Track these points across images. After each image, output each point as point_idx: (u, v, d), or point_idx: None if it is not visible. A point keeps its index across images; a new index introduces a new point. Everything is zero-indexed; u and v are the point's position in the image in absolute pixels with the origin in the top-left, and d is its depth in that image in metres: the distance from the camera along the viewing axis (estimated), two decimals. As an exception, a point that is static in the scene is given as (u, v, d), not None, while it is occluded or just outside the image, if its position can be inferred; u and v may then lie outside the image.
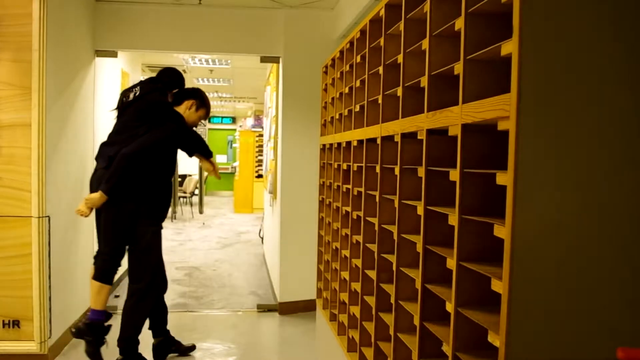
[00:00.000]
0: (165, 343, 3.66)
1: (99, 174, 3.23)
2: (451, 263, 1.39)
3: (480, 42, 1.31)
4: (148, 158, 3.17)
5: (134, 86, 3.44)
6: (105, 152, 3.23)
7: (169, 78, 3.48)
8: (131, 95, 3.34)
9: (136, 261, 3.31)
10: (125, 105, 3.36)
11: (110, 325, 3.43)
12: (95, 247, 4.48)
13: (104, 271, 3.26)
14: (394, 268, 1.87)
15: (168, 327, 3.73)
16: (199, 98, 3.49)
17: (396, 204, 1.85)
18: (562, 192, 1.11)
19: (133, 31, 4.59)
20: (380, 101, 2.10)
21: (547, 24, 1.09)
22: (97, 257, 3.31)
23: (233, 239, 8.56)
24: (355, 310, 2.45)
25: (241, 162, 12.23)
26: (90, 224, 4.38)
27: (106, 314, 3.35)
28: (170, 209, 11.51)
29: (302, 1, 4.38)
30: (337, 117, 3.01)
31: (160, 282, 3.46)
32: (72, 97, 3.92)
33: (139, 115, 3.25)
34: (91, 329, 3.24)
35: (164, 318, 3.67)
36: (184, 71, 8.56)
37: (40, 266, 3.22)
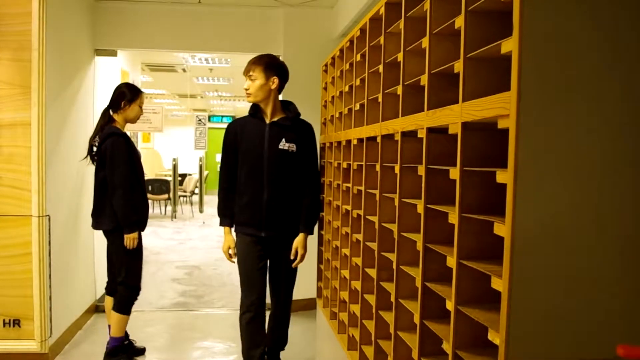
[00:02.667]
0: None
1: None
2: (451, 261, 1.39)
3: (481, 41, 1.31)
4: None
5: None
6: None
7: (111, 100, 3.39)
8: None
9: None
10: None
11: (130, 341, 3.45)
12: (96, 246, 4.49)
13: (128, 302, 3.36)
14: (394, 266, 1.87)
15: (168, 326, 3.73)
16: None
17: (396, 203, 1.85)
18: (562, 190, 1.11)
19: (133, 30, 4.59)
20: (380, 99, 2.10)
21: (547, 22, 1.09)
22: (117, 287, 3.35)
23: (233, 238, 8.54)
24: (356, 308, 2.46)
25: (241, 160, 12.17)
26: (89, 223, 4.38)
27: (125, 334, 3.42)
28: (170, 208, 11.44)
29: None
30: (337, 115, 3.01)
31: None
32: (72, 96, 3.92)
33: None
34: (115, 353, 3.34)
35: None
36: (184, 70, 8.56)
37: (40, 265, 3.22)
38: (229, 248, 2.96)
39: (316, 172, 3.04)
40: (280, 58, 4.63)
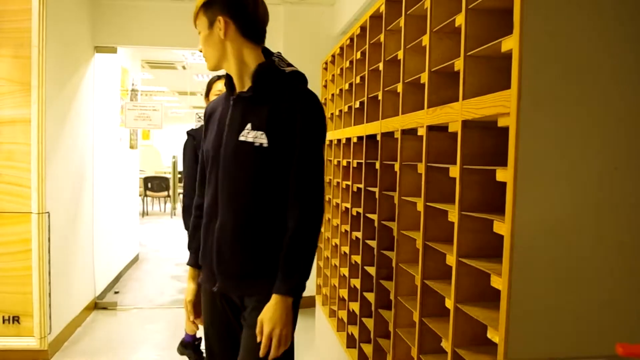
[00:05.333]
0: None
1: None
2: (451, 259, 1.39)
3: (481, 39, 1.31)
4: None
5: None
6: None
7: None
8: None
9: None
10: None
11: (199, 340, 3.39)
12: (95, 243, 4.49)
13: None
14: (394, 264, 1.87)
15: (168, 322, 3.73)
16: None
17: (396, 201, 1.85)
18: (561, 189, 1.11)
19: (133, 27, 4.58)
20: (380, 97, 2.10)
21: (548, 21, 1.09)
22: None
23: (233, 236, 8.54)
24: (355, 306, 2.46)
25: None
26: (90, 220, 4.38)
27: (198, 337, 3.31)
28: (170, 205, 11.42)
29: (302, -3, 4.37)
30: (337, 113, 3.01)
31: None
32: (71, 94, 3.92)
33: None
34: (187, 346, 3.32)
35: None
36: (184, 67, 8.55)
37: (40, 262, 3.22)
38: (188, 302, 1.80)
39: (311, 182, 1.58)
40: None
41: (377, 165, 2.11)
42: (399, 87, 1.86)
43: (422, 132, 1.63)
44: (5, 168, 3.20)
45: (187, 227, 2.60)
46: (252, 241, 1.60)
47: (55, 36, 3.45)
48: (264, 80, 1.60)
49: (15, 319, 3.25)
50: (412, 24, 1.80)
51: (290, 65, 1.66)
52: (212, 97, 2.86)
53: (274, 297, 1.53)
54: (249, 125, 1.59)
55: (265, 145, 1.57)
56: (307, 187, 1.57)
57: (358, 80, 2.49)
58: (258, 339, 1.54)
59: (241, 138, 1.59)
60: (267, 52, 1.69)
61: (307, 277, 1.58)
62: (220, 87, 2.87)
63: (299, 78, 1.63)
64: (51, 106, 3.35)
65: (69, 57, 3.88)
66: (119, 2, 4.50)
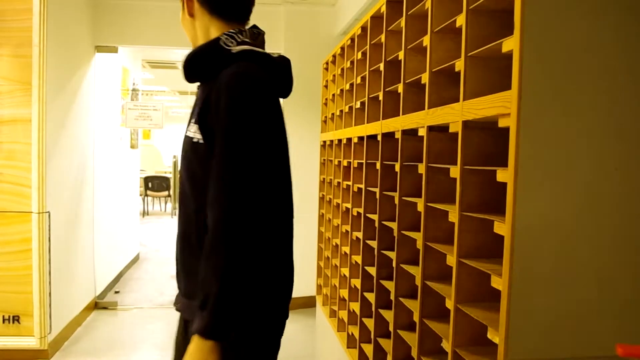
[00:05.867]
0: None
1: None
2: (451, 260, 1.39)
3: (482, 39, 1.31)
4: None
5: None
6: None
7: None
8: None
9: None
10: None
11: None
12: (96, 243, 4.50)
13: None
14: (394, 265, 1.87)
15: (168, 323, 3.73)
16: None
17: (396, 201, 1.85)
18: (562, 189, 1.11)
19: (134, 27, 4.58)
20: (380, 98, 2.10)
21: (548, 21, 1.09)
22: None
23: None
24: (355, 306, 2.46)
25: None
26: (90, 220, 4.38)
27: None
28: (170, 205, 11.46)
29: (303, -3, 4.37)
30: (338, 113, 3.01)
31: None
32: (72, 93, 3.92)
33: None
34: None
35: None
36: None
37: (40, 262, 3.23)
38: None
39: (227, 188, 1.19)
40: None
41: (378, 166, 2.11)
42: (400, 88, 1.86)
43: (422, 132, 1.63)
44: (6, 167, 3.21)
45: None
46: (194, 255, 1.31)
47: (56, 36, 3.45)
48: (197, 63, 1.35)
49: (16, 319, 3.26)
50: (413, 24, 1.80)
51: (245, 43, 1.33)
52: None
53: (193, 337, 1.17)
54: (193, 120, 1.33)
55: (201, 141, 1.28)
56: (221, 194, 1.18)
57: (359, 81, 2.49)
58: None
59: (187, 132, 1.34)
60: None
61: (228, 314, 1.16)
62: None
63: (248, 57, 1.30)
64: (52, 106, 3.35)
65: (70, 57, 3.88)
66: (120, 1, 4.50)
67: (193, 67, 1.35)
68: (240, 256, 1.17)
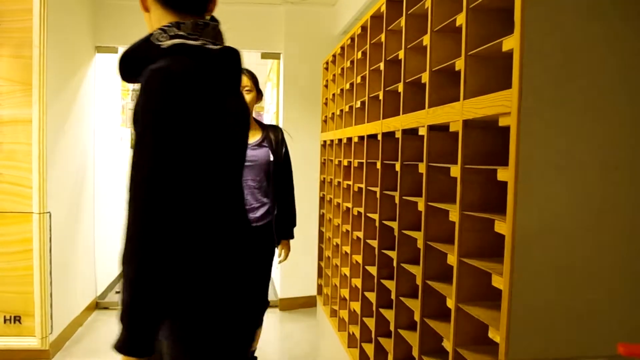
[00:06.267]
0: None
1: None
2: (452, 259, 1.39)
3: (482, 38, 1.31)
4: None
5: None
6: None
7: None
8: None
9: None
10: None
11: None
12: (97, 243, 4.50)
13: None
14: (395, 264, 1.87)
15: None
16: None
17: (397, 200, 1.85)
18: (562, 188, 1.11)
19: (134, 27, 4.57)
20: (381, 97, 2.10)
21: (548, 20, 1.09)
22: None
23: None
24: (356, 306, 2.46)
25: (242, 158, 12.18)
26: (91, 220, 4.38)
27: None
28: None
29: (303, -3, 4.37)
30: (338, 113, 3.01)
31: None
32: (72, 93, 3.92)
33: None
34: None
35: None
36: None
37: (41, 262, 3.23)
38: None
39: (134, 188, 1.14)
40: (281, 56, 4.64)
41: (378, 165, 2.11)
42: (400, 87, 1.86)
43: (423, 131, 1.63)
44: (6, 168, 3.21)
45: None
46: None
47: (56, 36, 3.45)
48: (128, 61, 1.28)
49: (17, 319, 3.26)
50: (412, 23, 1.80)
51: (178, 36, 1.25)
52: None
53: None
54: None
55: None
56: (130, 194, 1.13)
57: (359, 80, 2.49)
58: None
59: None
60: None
61: (141, 329, 1.11)
62: None
63: (179, 51, 1.23)
64: (52, 106, 3.35)
65: (70, 57, 3.88)
66: (120, 2, 4.50)
67: (126, 66, 1.27)
68: (149, 264, 1.09)
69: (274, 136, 2.84)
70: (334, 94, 3.16)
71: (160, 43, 1.23)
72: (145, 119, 1.14)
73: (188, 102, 1.17)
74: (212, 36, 1.31)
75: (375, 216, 2.13)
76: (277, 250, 2.98)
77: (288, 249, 3.03)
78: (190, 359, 1.23)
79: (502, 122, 1.15)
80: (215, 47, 1.29)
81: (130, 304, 1.09)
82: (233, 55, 1.37)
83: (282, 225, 2.93)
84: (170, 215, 1.12)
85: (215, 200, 1.29)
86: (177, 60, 1.20)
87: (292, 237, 3.02)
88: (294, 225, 3.03)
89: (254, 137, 2.80)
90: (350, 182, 2.59)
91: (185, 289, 1.21)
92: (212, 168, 1.26)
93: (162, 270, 1.10)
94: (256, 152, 2.76)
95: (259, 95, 2.85)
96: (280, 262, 3.05)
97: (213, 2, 1.37)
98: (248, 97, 2.76)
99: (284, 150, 2.86)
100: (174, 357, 1.23)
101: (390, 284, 1.95)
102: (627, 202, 1.13)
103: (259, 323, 1.45)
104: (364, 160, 2.34)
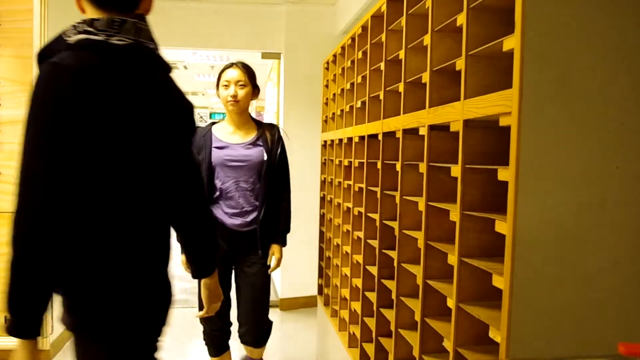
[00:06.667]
0: None
1: None
2: (452, 259, 1.39)
3: (483, 38, 1.31)
4: None
5: None
6: None
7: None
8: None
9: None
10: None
11: None
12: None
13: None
14: (395, 264, 1.87)
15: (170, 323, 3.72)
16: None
17: (397, 200, 1.85)
18: (563, 188, 1.11)
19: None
20: (381, 97, 2.10)
21: (549, 19, 1.09)
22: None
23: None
24: (356, 306, 2.46)
25: (242, 158, 12.20)
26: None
27: None
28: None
29: (303, -3, 4.37)
30: (339, 113, 3.01)
31: None
32: (73, 93, 3.92)
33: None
34: None
35: None
36: (185, 67, 8.56)
37: (41, 262, 3.23)
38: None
39: (17, 185, 1.32)
40: (282, 55, 4.64)
41: (379, 165, 2.11)
42: (400, 87, 1.86)
43: (423, 131, 1.63)
44: (7, 168, 3.21)
45: None
46: None
47: (57, 36, 3.46)
48: (42, 56, 1.30)
49: (17, 319, 3.25)
50: (413, 23, 1.80)
51: (86, 32, 1.31)
52: (221, 87, 2.76)
53: None
54: None
55: None
56: (15, 180, 1.26)
57: (359, 80, 2.49)
58: None
59: None
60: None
61: (20, 311, 1.28)
62: (227, 76, 2.75)
63: (83, 46, 1.29)
64: (53, 106, 3.36)
65: (71, 57, 3.88)
66: (120, 2, 4.50)
67: (41, 61, 1.29)
68: (25, 249, 1.18)
69: (270, 135, 2.74)
70: (334, 94, 3.16)
71: (67, 38, 1.29)
72: (29, 109, 1.21)
73: (74, 96, 1.20)
74: (133, 33, 1.33)
75: (376, 216, 2.13)
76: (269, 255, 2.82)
77: (279, 256, 2.82)
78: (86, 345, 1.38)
79: (503, 122, 1.15)
80: (122, 42, 1.30)
81: (11, 288, 1.19)
82: (141, 51, 1.36)
83: (271, 229, 2.74)
84: (47, 204, 1.19)
85: (108, 190, 1.32)
86: (74, 55, 1.25)
87: (283, 243, 2.82)
88: (287, 231, 2.83)
89: (249, 135, 2.73)
90: (351, 182, 2.59)
91: (71, 273, 1.32)
92: (103, 159, 1.29)
93: (39, 255, 1.18)
94: (250, 151, 2.68)
95: (255, 90, 2.78)
96: (270, 270, 2.86)
97: (147, 1, 1.40)
98: (242, 92, 2.70)
99: (279, 150, 2.76)
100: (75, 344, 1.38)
101: (391, 284, 1.95)
102: (628, 202, 1.13)
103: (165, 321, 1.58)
104: (365, 160, 2.34)
